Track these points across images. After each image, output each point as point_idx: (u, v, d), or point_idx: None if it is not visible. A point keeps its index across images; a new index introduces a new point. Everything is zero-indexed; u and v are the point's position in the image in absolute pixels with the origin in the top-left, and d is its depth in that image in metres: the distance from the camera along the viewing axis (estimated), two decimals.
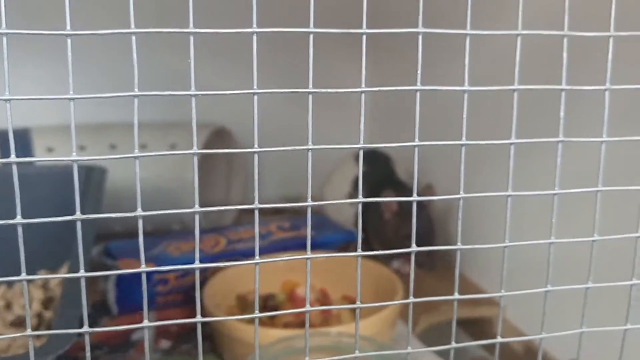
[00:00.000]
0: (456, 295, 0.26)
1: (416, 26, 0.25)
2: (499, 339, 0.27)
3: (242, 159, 0.93)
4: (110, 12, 0.65)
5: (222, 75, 0.83)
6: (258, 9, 0.22)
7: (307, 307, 0.24)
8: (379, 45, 0.93)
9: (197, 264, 0.23)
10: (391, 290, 0.60)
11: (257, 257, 0.23)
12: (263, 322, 0.60)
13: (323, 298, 0.65)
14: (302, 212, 0.91)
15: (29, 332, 0.23)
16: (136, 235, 0.81)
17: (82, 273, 0.23)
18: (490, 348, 0.70)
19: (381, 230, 0.75)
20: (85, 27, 0.23)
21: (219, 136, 0.84)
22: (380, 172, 0.80)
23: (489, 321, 0.71)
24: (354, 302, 0.64)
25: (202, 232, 0.73)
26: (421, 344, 0.62)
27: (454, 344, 0.27)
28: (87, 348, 0.23)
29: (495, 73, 0.48)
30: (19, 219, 0.21)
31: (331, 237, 0.73)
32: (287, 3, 0.77)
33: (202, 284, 0.62)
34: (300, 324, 0.60)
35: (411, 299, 0.26)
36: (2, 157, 0.79)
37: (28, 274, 0.70)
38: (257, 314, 0.24)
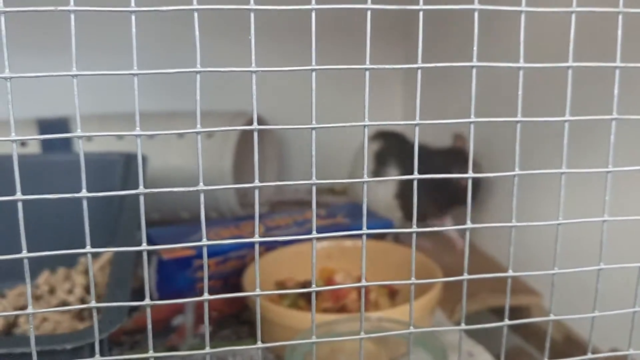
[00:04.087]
0: (510, 272, 0.26)
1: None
2: (552, 317, 0.27)
3: (276, 149, 0.94)
4: None
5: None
6: None
7: (363, 282, 0.25)
8: (411, 25, 0.93)
9: (256, 238, 0.23)
10: (429, 277, 0.60)
11: (314, 232, 0.24)
12: (301, 308, 0.60)
13: None
14: (337, 200, 0.91)
15: (93, 303, 0.23)
16: (174, 222, 0.82)
17: (144, 246, 0.23)
18: (527, 336, 0.70)
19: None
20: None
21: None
22: (395, 148, 0.81)
23: (526, 310, 0.71)
24: (391, 289, 0.65)
25: (240, 219, 0.73)
26: (459, 332, 0.62)
27: (507, 322, 0.27)
28: (149, 320, 0.24)
29: (535, 50, 0.48)
30: (84, 193, 0.22)
31: (367, 225, 0.73)
32: None
33: (241, 270, 0.63)
34: (339, 310, 0.60)
35: (465, 276, 0.26)
36: (43, 144, 0.79)
37: (70, 261, 0.70)
38: (314, 288, 0.24)
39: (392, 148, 0.80)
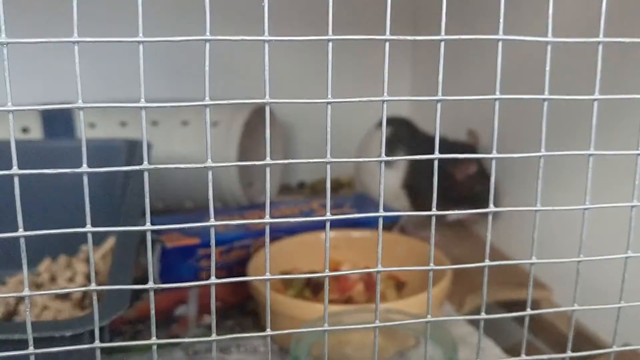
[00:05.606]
0: (534, 259, 0.25)
1: None
2: (576, 307, 0.26)
3: (282, 138, 0.93)
4: None
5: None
6: None
7: (379, 267, 0.23)
8: (418, 11, 0.91)
9: (267, 219, 0.22)
10: (438, 270, 0.59)
11: (328, 213, 0.22)
12: (307, 298, 0.59)
13: (367, 276, 0.64)
14: (342, 192, 0.90)
15: (93, 286, 0.22)
16: (178, 211, 0.80)
17: (148, 226, 0.22)
18: (535, 331, 0.68)
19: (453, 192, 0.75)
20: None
21: (259, 114, 0.83)
22: (404, 134, 0.79)
23: (535, 304, 0.69)
24: (398, 281, 0.63)
25: (245, 208, 0.72)
26: (468, 325, 0.61)
27: (529, 311, 0.25)
28: (152, 304, 0.22)
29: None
30: (84, 168, 0.21)
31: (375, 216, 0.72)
32: None
33: (247, 259, 0.62)
34: (345, 302, 0.59)
35: (487, 262, 0.24)
36: (46, 131, 0.77)
37: (71, 249, 0.69)
38: (327, 273, 0.23)
39: (401, 134, 0.79)
